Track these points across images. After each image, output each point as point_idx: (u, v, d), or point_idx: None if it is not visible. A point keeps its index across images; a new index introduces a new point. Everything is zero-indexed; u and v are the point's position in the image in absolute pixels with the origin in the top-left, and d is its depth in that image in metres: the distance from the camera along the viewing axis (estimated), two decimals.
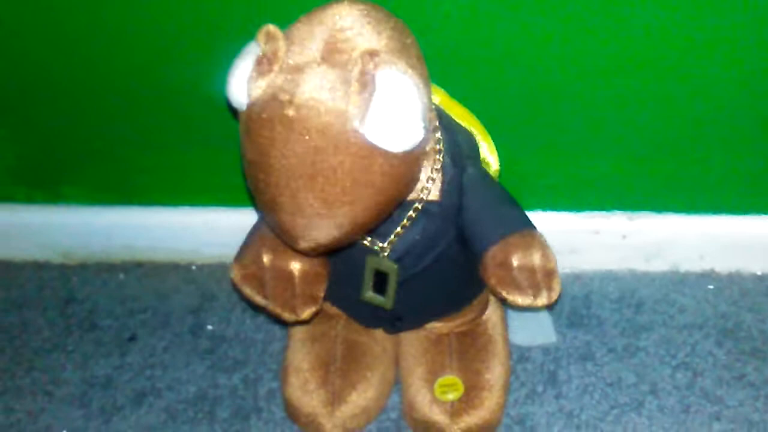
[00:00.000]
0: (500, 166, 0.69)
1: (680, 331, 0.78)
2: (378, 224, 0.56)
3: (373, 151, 0.50)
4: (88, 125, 0.79)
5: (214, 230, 0.86)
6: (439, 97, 0.66)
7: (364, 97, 0.49)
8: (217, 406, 0.75)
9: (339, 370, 0.70)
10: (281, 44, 0.50)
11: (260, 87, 0.50)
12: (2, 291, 0.85)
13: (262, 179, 0.52)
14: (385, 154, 0.51)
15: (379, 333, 0.73)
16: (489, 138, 0.68)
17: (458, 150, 0.61)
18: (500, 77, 0.71)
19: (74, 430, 0.74)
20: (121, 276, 0.86)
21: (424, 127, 0.52)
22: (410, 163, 0.53)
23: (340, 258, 0.64)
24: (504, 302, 0.64)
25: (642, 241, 0.82)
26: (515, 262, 0.61)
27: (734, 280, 0.82)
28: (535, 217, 0.80)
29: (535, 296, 0.60)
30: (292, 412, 0.72)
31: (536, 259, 0.61)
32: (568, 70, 0.70)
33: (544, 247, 0.62)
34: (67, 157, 0.82)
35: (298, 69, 0.49)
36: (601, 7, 0.66)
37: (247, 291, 0.63)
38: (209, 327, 0.81)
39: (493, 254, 0.61)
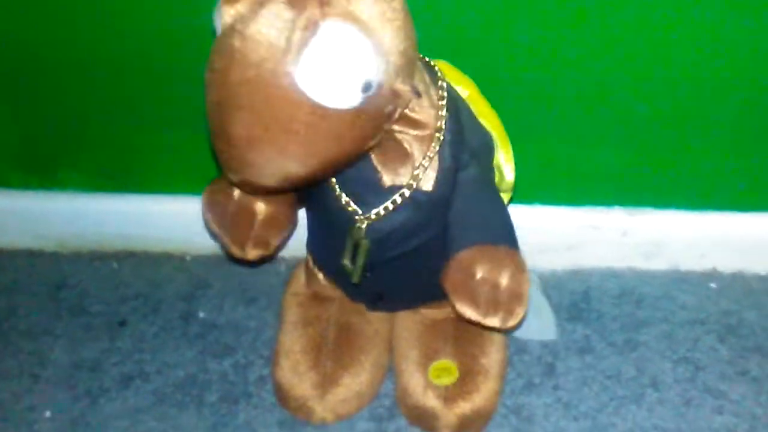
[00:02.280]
0: (514, 185, 0.68)
1: (682, 326, 0.76)
2: (316, 180, 0.54)
3: (300, 98, 0.49)
4: (86, 111, 0.78)
5: None
6: (469, 91, 0.64)
7: (302, 41, 0.48)
8: (206, 391, 0.73)
9: (331, 353, 0.69)
10: None
11: (228, 14, 0.50)
12: None
13: (208, 105, 0.51)
14: (314, 105, 0.49)
15: (373, 316, 0.71)
16: (508, 146, 0.66)
17: (462, 145, 0.59)
18: (499, 68, 0.70)
19: (59, 411, 0.73)
20: (114, 264, 0.86)
21: (364, 91, 0.50)
22: (348, 124, 0.51)
23: (330, 220, 0.62)
24: (453, 311, 0.60)
25: (642, 238, 0.81)
26: (480, 273, 0.58)
27: (737, 279, 0.80)
28: (534, 211, 0.80)
29: (486, 314, 0.58)
30: (282, 396, 0.70)
31: (505, 277, 0.58)
32: (568, 63, 0.70)
33: (519, 270, 0.59)
34: (63, 142, 0.82)
35: (262, 4, 0.49)
36: (610, 1, 0.66)
37: (208, 216, 0.64)
38: (201, 314, 0.80)
39: (460, 258, 0.58)
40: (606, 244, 0.81)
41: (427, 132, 0.57)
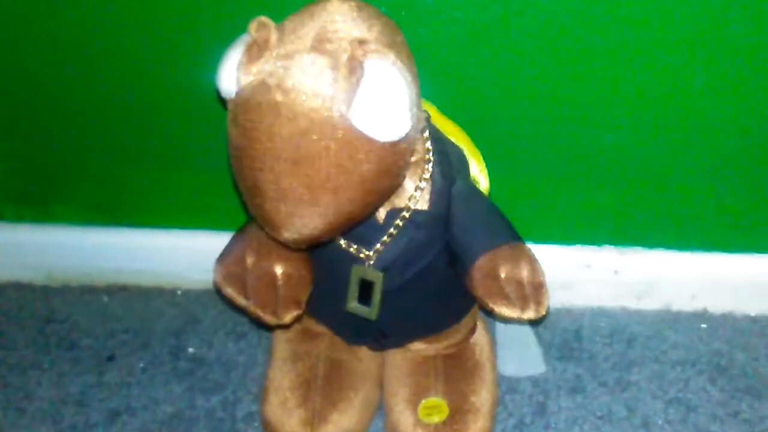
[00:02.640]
0: (491, 196, 0.68)
1: (673, 366, 0.76)
2: (362, 219, 0.55)
3: (358, 137, 0.50)
4: (79, 144, 0.79)
5: (202, 254, 0.84)
6: (430, 112, 0.66)
7: (352, 83, 0.49)
8: (193, 427, 0.72)
9: (320, 389, 0.68)
10: (273, 33, 0.50)
11: (249, 73, 0.50)
12: None
13: (246, 165, 0.51)
14: (370, 142, 0.50)
15: (363, 353, 0.71)
16: (479, 155, 0.68)
17: (447, 162, 0.61)
18: (495, 104, 0.71)
19: None
20: (105, 298, 0.85)
21: (411, 120, 0.52)
22: (396, 154, 0.53)
23: (326, 268, 0.63)
24: (491, 315, 0.62)
25: (634, 278, 0.81)
26: (503, 273, 0.60)
27: (727, 320, 0.80)
28: None
29: (523, 309, 0.59)
30: None
31: (525, 271, 0.60)
32: (562, 103, 0.70)
33: (532, 260, 0.61)
34: (56, 176, 0.82)
35: (288, 56, 0.50)
36: (600, 40, 0.67)
37: (229, 291, 0.62)
38: (190, 350, 0.79)
39: (480, 265, 0.60)
40: (598, 283, 0.81)
41: (417, 157, 0.59)
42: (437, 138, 0.62)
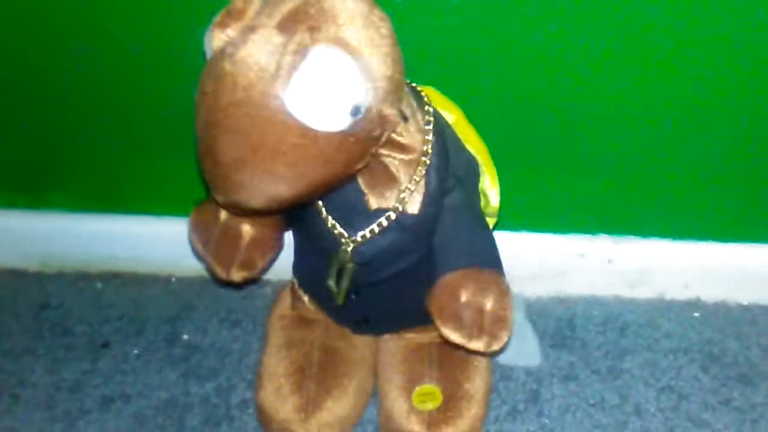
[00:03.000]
0: (499, 211, 0.69)
1: (665, 355, 0.76)
2: (300, 201, 0.54)
3: (289, 120, 0.49)
4: (75, 131, 0.78)
5: None
6: (455, 116, 0.65)
7: (292, 65, 0.49)
8: (188, 414, 0.73)
9: (315, 376, 0.68)
10: (253, 4, 0.50)
11: (219, 38, 0.50)
12: None
13: (197, 126, 0.52)
14: (303, 128, 0.50)
15: (357, 340, 0.71)
16: (494, 171, 0.67)
17: (448, 169, 0.60)
18: (490, 94, 0.71)
19: None
20: (99, 285, 0.85)
21: (352, 115, 0.51)
22: (336, 147, 0.51)
23: (316, 243, 0.62)
24: (439, 333, 0.61)
25: (627, 266, 0.81)
26: (464, 296, 0.58)
27: (720, 309, 0.81)
28: (520, 238, 0.80)
29: (471, 337, 0.58)
30: (264, 419, 0.69)
31: (489, 301, 0.58)
32: (555, 92, 0.70)
33: (503, 293, 0.59)
34: (50, 162, 0.81)
35: (252, 29, 0.50)
36: (596, 30, 0.67)
37: (193, 237, 0.64)
38: (185, 336, 0.79)
39: (445, 281, 0.59)
40: (591, 272, 0.81)
41: (413, 156, 0.58)
42: (445, 142, 0.60)
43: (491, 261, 0.61)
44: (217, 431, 0.71)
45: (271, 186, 0.52)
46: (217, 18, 0.52)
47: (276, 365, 0.70)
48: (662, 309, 0.80)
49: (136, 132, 0.78)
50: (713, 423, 0.71)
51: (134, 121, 0.77)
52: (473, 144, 0.65)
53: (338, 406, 0.68)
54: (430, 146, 0.59)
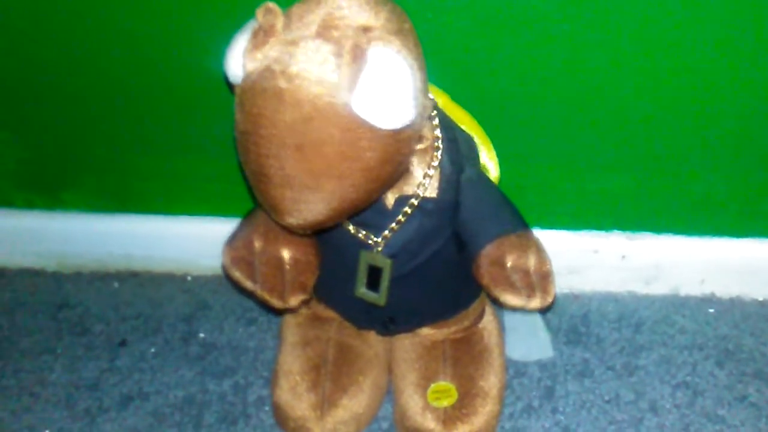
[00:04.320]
0: (500, 181, 0.69)
1: (680, 351, 0.76)
2: (367, 205, 0.55)
3: (361, 125, 0.50)
4: (90, 131, 0.79)
5: (212, 241, 0.84)
6: (441, 100, 0.66)
7: (355, 71, 0.49)
8: (205, 411, 0.73)
9: (330, 374, 0.69)
10: (279, 19, 0.51)
11: (255, 59, 0.50)
12: None
13: (252, 150, 0.52)
14: (373, 129, 0.50)
15: (372, 338, 0.71)
16: (489, 143, 0.68)
17: (457, 150, 0.61)
18: (503, 90, 0.71)
19: (58, 430, 0.72)
20: (116, 284, 0.86)
21: (415, 108, 0.52)
22: (399, 142, 0.53)
23: (335, 253, 0.63)
24: (497, 303, 0.63)
25: (642, 263, 0.81)
26: (509, 261, 0.60)
27: (735, 304, 0.80)
28: (536, 234, 0.80)
29: (529, 297, 0.60)
30: (280, 417, 0.70)
31: (531, 260, 0.61)
32: (571, 86, 0.70)
33: (540, 249, 0.61)
34: (67, 163, 0.82)
35: (293, 42, 0.50)
36: (609, 25, 0.66)
37: (237, 275, 0.62)
38: (201, 335, 0.80)
39: (487, 253, 0.61)
40: (606, 268, 0.81)
41: (426, 144, 0.59)
42: (447, 125, 0.62)
43: (520, 223, 0.63)
44: (234, 428, 0.72)
45: (342, 196, 0.52)
46: (248, 39, 0.51)
47: (291, 363, 0.70)
48: (677, 305, 0.80)
49: (152, 132, 0.78)
50: (729, 419, 0.71)
51: (150, 121, 0.77)
52: (464, 122, 0.66)
53: (354, 403, 0.68)
54: (438, 132, 0.60)
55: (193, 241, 0.85)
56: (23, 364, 0.78)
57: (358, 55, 0.49)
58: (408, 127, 0.52)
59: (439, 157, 0.60)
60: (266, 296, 0.62)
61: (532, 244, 0.61)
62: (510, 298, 0.59)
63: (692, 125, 0.72)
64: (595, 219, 0.80)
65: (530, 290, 0.60)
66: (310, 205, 0.52)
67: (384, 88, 0.50)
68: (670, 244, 0.80)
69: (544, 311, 0.72)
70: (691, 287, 0.81)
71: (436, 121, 0.60)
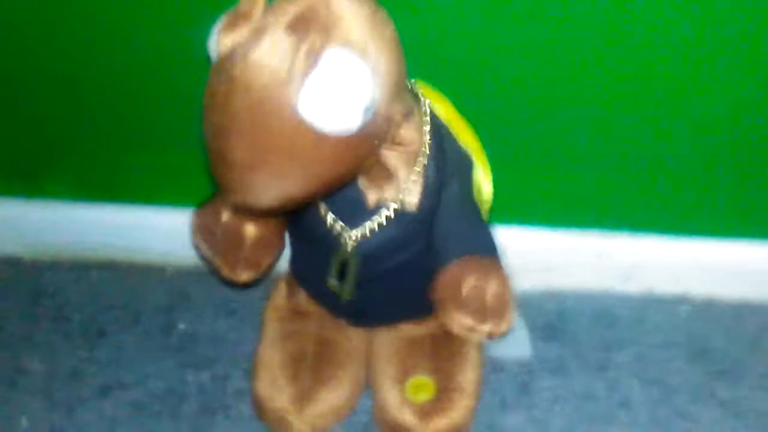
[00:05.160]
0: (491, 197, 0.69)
1: (653, 349, 0.77)
2: (314, 198, 0.55)
3: (302, 124, 0.49)
4: (71, 120, 0.78)
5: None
6: (443, 108, 0.65)
7: (304, 70, 0.49)
8: (184, 402, 0.73)
9: (310, 368, 0.69)
10: (259, 4, 0.50)
11: (226, 42, 0.50)
12: None
13: (206, 128, 0.52)
14: (314, 130, 0.50)
15: (352, 332, 0.72)
16: (486, 161, 0.67)
17: (445, 161, 0.61)
18: (479, 89, 0.71)
19: (35, 420, 0.72)
20: (95, 274, 0.85)
21: (364, 116, 0.51)
22: (345, 147, 0.52)
23: (314, 240, 0.63)
24: (445, 323, 0.61)
25: (618, 261, 0.81)
26: (467, 283, 0.59)
27: (709, 304, 0.81)
28: (511, 232, 0.80)
29: (479, 322, 0.59)
30: (259, 409, 0.70)
31: (492, 286, 0.59)
32: (545, 84, 0.70)
33: (503, 276, 0.60)
34: (47, 150, 0.81)
35: (261, 30, 0.49)
36: (582, 26, 0.66)
37: (197, 239, 0.65)
38: (181, 326, 0.80)
39: (447, 270, 0.60)
40: (582, 266, 0.82)
41: (411, 149, 0.59)
42: (439, 134, 0.61)
43: (490, 248, 0.62)
44: (213, 420, 0.72)
45: (282, 187, 0.52)
46: (224, 20, 0.52)
47: (271, 356, 0.71)
48: (652, 304, 0.81)
49: (134, 122, 0.77)
50: (699, 416, 0.72)
51: (133, 111, 0.77)
52: (464, 135, 0.65)
53: (333, 396, 0.69)
54: (427, 139, 0.59)
55: (173, 233, 0.84)
56: (1, 352, 0.78)
57: (313, 54, 0.49)
58: (358, 133, 0.51)
59: (425, 164, 0.59)
60: (219, 265, 0.64)
61: (495, 270, 0.60)
62: (458, 320, 0.58)
63: (671, 125, 0.72)
64: (572, 217, 0.80)
65: (482, 315, 0.59)
66: (249, 190, 0.52)
67: (331, 92, 0.49)
68: (646, 244, 0.80)
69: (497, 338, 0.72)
70: (666, 286, 0.82)
71: (428, 128, 0.60)
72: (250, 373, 0.72)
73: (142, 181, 0.82)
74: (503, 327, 0.59)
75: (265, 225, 0.65)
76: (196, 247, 0.66)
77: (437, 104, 0.64)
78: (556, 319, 0.80)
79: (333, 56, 0.49)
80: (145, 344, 0.78)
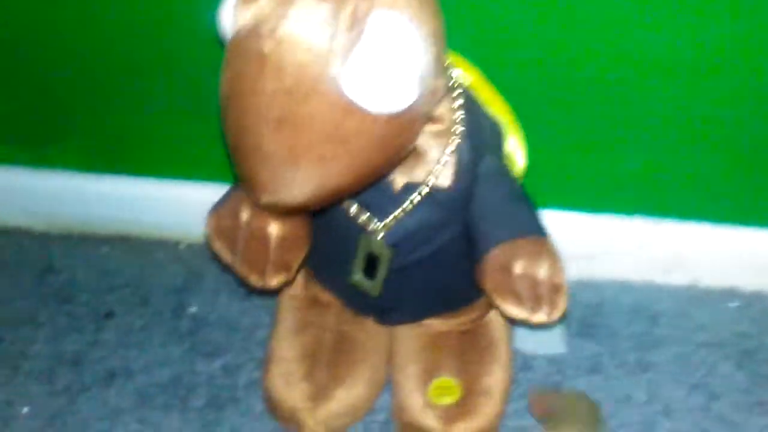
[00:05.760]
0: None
1: (698, 349, 0.72)
2: (354, 191, 0.50)
3: (350, 104, 0.44)
4: (81, 84, 0.75)
5: (207, 207, 0.81)
6: (472, 77, 0.60)
7: (351, 40, 0.42)
8: (192, 393, 0.70)
9: (326, 363, 0.65)
10: None
11: (245, 15, 0.44)
12: None
13: (231, 118, 0.46)
14: (365, 111, 0.44)
15: (372, 326, 0.68)
16: (519, 131, 0.63)
17: (479, 135, 0.56)
18: (522, 63, 0.66)
19: (37, 407, 0.69)
20: (105, 249, 0.82)
21: (419, 90, 0.45)
22: (396, 128, 0.46)
23: (334, 233, 0.59)
24: (499, 311, 0.58)
25: (662, 251, 0.77)
26: (518, 269, 0.55)
27: (758, 299, 0.76)
28: (546, 216, 0.76)
29: (534, 310, 0.55)
30: (271, 405, 0.66)
31: (543, 270, 0.55)
32: (594, 60, 0.66)
33: (554, 258, 0.56)
34: (55, 118, 0.78)
35: (289, 0, 0.43)
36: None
37: (218, 246, 0.58)
38: (192, 309, 0.77)
39: (494, 256, 0.56)
40: (622, 255, 0.77)
41: (443, 126, 0.54)
42: (472, 107, 0.56)
43: (536, 226, 0.58)
44: (222, 414, 0.68)
45: (323, 181, 0.46)
46: None
47: (285, 349, 0.67)
48: (696, 298, 0.76)
49: (147, 90, 0.74)
50: (745, 426, 0.67)
51: (145, 80, 0.73)
52: (494, 104, 0.61)
53: (349, 395, 0.65)
54: (459, 114, 0.54)
55: (188, 207, 0.81)
56: (4, 333, 0.75)
57: (357, 20, 0.43)
58: (409, 110, 0.46)
59: (458, 142, 0.54)
60: (245, 272, 0.57)
61: (546, 251, 0.56)
62: (513, 309, 0.55)
63: (721, 108, 0.68)
64: (613, 202, 0.76)
65: (536, 302, 0.55)
66: (287, 187, 0.46)
67: (382, 64, 0.43)
68: (691, 233, 0.76)
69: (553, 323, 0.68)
70: (713, 279, 0.78)
71: (460, 102, 0.54)
72: (263, 366, 0.68)
73: (157, 153, 0.79)
74: (556, 315, 0.55)
75: (291, 221, 0.58)
76: (216, 253, 0.59)
77: (464, 72, 0.60)
78: (593, 312, 0.75)
79: (381, 21, 0.43)
80: (153, 328, 0.75)
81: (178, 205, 0.80)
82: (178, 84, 0.73)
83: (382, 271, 0.57)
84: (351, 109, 0.44)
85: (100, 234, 0.83)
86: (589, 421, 0.65)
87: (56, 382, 0.71)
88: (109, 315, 0.76)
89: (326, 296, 0.69)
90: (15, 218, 0.84)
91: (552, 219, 0.76)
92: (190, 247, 0.82)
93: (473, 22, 0.64)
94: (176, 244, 0.82)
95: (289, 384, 0.65)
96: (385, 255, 0.57)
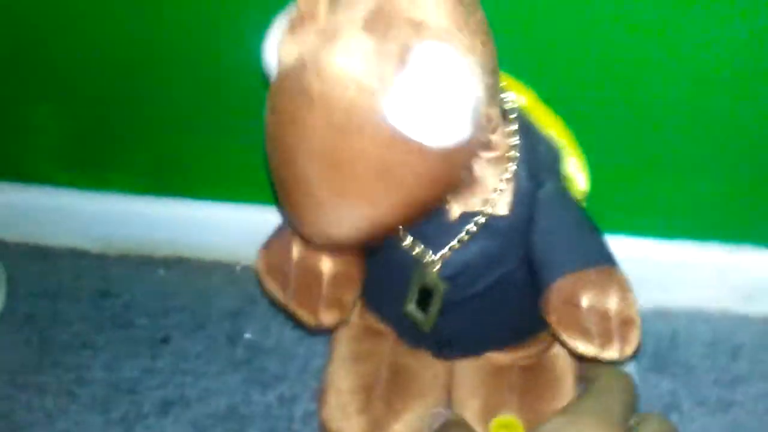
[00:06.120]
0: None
1: None
2: (405, 225, 0.49)
3: (402, 140, 0.42)
4: (141, 108, 0.75)
5: (262, 229, 0.81)
6: (527, 99, 0.58)
7: (399, 74, 0.41)
8: (248, 425, 0.69)
9: (382, 396, 0.63)
10: (322, 3, 0.42)
11: (290, 51, 0.43)
12: (37, 278, 0.81)
13: (277, 157, 0.45)
14: (416, 146, 0.42)
15: (431, 358, 0.65)
16: (579, 153, 0.60)
17: (537, 160, 0.53)
18: (586, 87, 0.64)
19: None
20: (161, 271, 0.82)
21: (472, 122, 0.43)
22: (448, 162, 0.44)
23: (388, 265, 0.57)
24: (565, 347, 0.55)
25: (741, 279, 0.74)
26: (585, 301, 0.52)
27: None
28: (617, 242, 0.72)
29: (603, 346, 0.52)
30: None
31: (613, 302, 0.52)
32: (662, 81, 0.63)
33: (624, 289, 0.53)
34: (113, 142, 0.78)
35: (334, 34, 0.42)
36: (706, 19, 0.59)
37: (270, 285, 0.57)
38: (247, 335, 0.76)
39: (559, 287, 0.53)
40: (699, 283, 0.74)
41: (499, 153, 0.52)
42: (528, 131, 0.54)
43: (603, 255, 0.55)
44: None
45: (373, 216, 0.45)
46: (283, 24, 0.44)
47: (341, 380, 0.65)
48: None
49: (200, 116, 0.74)
50: None
51: (199, 105, 0.73)
52: (551, 126, 0.58)
53: (407, 429, 0.63)
54: (516, 139, 0.52)
55: (244, 229, 0.81)
56: (61, 358, 0.75)
57: (406, 53, 0.41)
58: (461, 143, 0.44)
59: (514, 168, 0.51)
60: (298, 312, 0.55)
61: (614, 282, 0.53)
62: (580, 346, 0.52)
63: None
64: (689, 228, 0.73)
65: (606, 338, 0.52)
66: (334, 223, 0.45)
67: (434, 98, 0.41)
68: None
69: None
70: None
71: (515, 126, 0.52)
72: (317, 397, 0.66)
73: (214, 175, 0.79)
74: (628, 351, 0.52)
75: (343, 258, 0.56)
76: (268, 293, 0.58)
77: (518, 94, 0.57)
78: (668, 345, 0.71)
79: (429, 54, 0.41)
80: (210, 355, 0.74)
81: (235, 227, 0.80)
82: (233, 111, 0.72)
83: (435, 306, 0.55)
84: (401, 144, 0.42)
85: (157, 256, 0.83)
86: None
87: (112, 411, 0.71)
88: (165, 340, 0.76)
89: (381, 326, 0.67)
90: (73, 240, 0.85)
91: (621, 245, 0.73)
92: (246, 269, 0.81)
93: (526, 42, 0.62)
94: (232, 266, 0.81)
95: (345, 416, 0.63)
96: (439, 289, 0.55)
